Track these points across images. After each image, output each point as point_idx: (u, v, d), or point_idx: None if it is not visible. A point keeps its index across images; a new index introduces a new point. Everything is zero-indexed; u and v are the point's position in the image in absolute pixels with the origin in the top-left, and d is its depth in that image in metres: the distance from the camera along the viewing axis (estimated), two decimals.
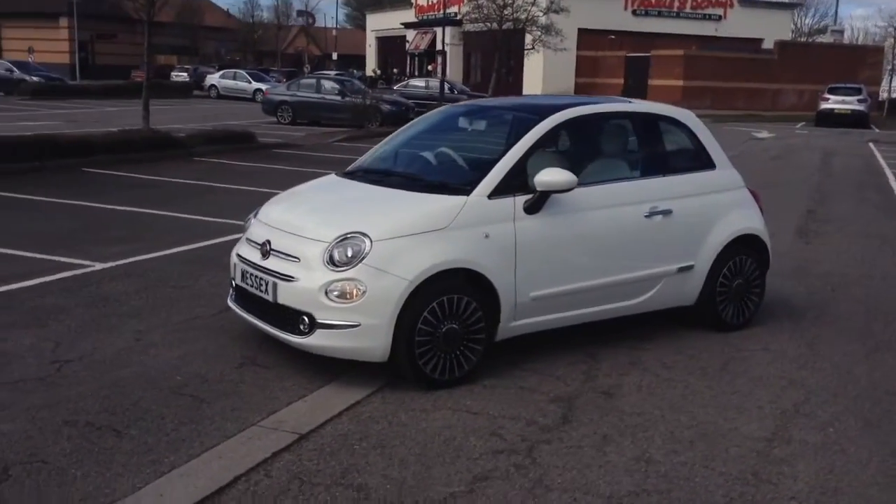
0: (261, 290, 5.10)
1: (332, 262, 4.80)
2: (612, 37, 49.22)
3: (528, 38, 34.79)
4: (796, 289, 7.76)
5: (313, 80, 28.25)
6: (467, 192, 5.10)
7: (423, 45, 57.47)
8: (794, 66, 46.45)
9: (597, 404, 4.82)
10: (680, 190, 5.95)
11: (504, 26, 31.65)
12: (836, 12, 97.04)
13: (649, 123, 6.07)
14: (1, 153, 13.02)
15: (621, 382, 5.18)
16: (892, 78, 47.16)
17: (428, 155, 5.91)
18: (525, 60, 45.01)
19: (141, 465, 3.88)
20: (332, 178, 6.04)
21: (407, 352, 4.79)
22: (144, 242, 8.47)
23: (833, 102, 35.58)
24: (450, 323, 4.89)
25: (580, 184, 5.42)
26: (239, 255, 5.45)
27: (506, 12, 31.23)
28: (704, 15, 52.84)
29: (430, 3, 55.31)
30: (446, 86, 33.41)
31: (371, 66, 66.18)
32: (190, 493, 3.65)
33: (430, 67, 51.08)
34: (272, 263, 5.06)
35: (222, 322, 5.91)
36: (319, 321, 4.77)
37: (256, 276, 5.14)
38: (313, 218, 5.27)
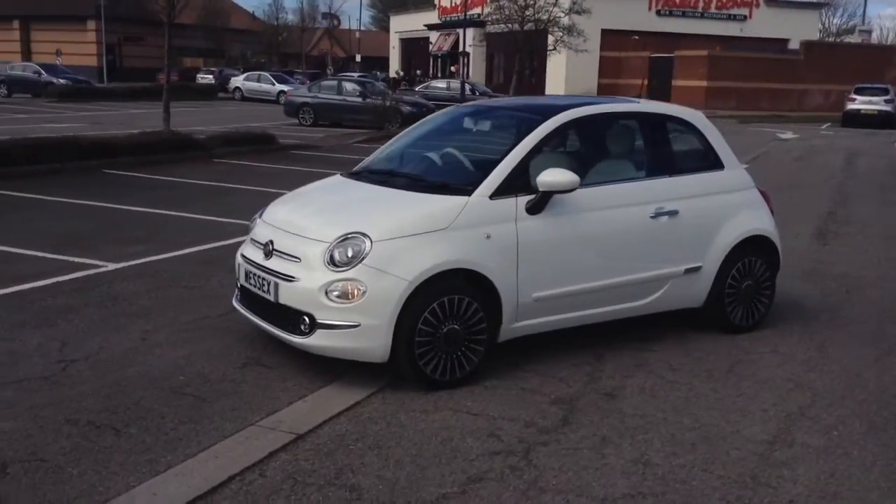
0: (263, 291, 5.12)
1: (332, 262, 4.81)
2: (636, 37, 48.94)
3: (551, 39, 34.71)
4: (810, 291, 7.67)
5: (334, 82, 28.37)
6: (469, 193, 5.09)
7: (447, 47, 57.53)
8: (820, 67, 45.99)
9: (598, 406, 4.79)
10: (687, 190, 5.89)
11: (525, 27, 31.59)
12: (865, 12, 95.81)
13: (656, 124, 6.02)
14: (22, 155, 13.17)
15: (624, 384, 5.15)
16: None
17: (432, 155, 5.90)
18: (548, 61, 44.94)
19: (137, 463, 3.90)
20: (337, 179, 6.05)
21: (407, 352, 4.78)
22: (158, 243, 8.54)
23: (860, 103, 35.16)
24: (451, 324, 4.88)
25: (584, 184, 5.40)
26: (243, 256, 5.47)
27: (527, 13, 31.17)
28: (729, 15, 52.44)
29: (453, 4, 55.30)
30: (468, 87, 33.41)
31: (394, 67, 66.35)
32: (183, 491, 3.67)
33: (452, 69, 51.10)
34: (274, 263, 5.08)
35: (229, 322, 5.94)
36: (320, 321, 4.78)
37: (259, 277, 5.16)
38: (315, 218, 5.28)
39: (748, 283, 6.18)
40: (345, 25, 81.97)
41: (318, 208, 5.55)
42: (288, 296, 4.93)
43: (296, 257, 4.98)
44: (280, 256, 5.08)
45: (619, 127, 6.01)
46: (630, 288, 5.66)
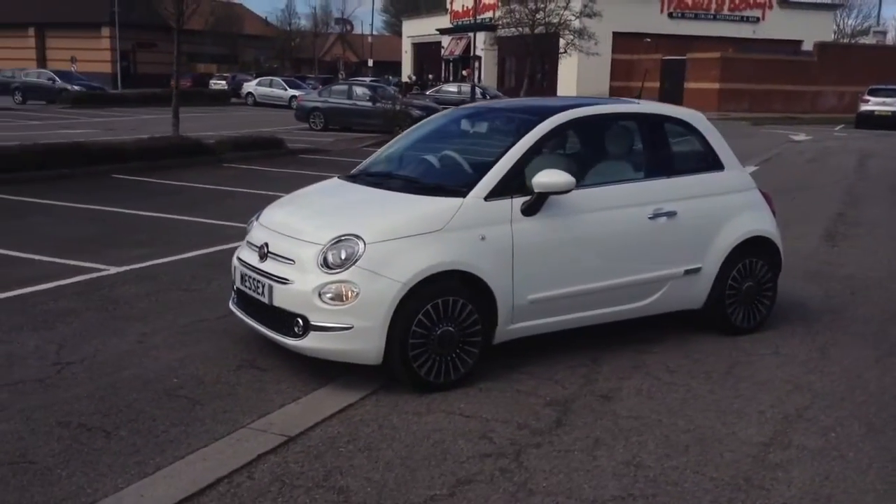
0: (258, 293, 5.11)
1: (325, 264, 4.79)
2: (648, 40, 48.81)
3: (562, 43, 34.67)
4: (815, 292, 7.61)
5: (345, 87, 28.43)
6: (463, 194, 5.06)
7: (458, 51, 57.57)
8: (834, 68, 45.71)
9: (592, 408, 4.76)
10: (686, 191, 5.85)
11: (536, 31, 31.57)
12: (879, 13, 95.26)
13: (654, 124, 5.98)
14: (32, 161, 13.26)
15: (621, 386, 5.11)
16: None
17: (428, 157, 5.88)
18: (559, 65, 44.90)
19: (126, 465, 3.90)
20: (334, 182, 6.05)
21: (401, 354, 4.76)
22: (161, 247, 8.56)
23: (874, 104, 34.90)
24: (445, 326, 4.85)
25: (581, 185, 5.39)
26: (239, 259, 5.47)
27: (538, 17, 31.14)
28: (742, 17, 52.21)
29: (465, 8, 55.30)
30: (479, 91, 33.40)
31: (407, 72, 66.46)
32: (170, 493, 3.66)
33: (464, 73, 51.11)
34: (269, 266, 5.07)
35: (226, 325, 5.93)
36: (313, 323, 4.77)
37: (254, 279, 5.16)
38: (309, 221, 5.28)
39: (749, 284, 6.13)
40: (357, 30, 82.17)
41: (313, 211, 5.54)
42: (282, 298, 4.92)
43: (290, 259, 4.97)
44: (274, 259, 5.07)
45: (618, 128, 5.97)
46: (628, 289, 5.62)
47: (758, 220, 6.22)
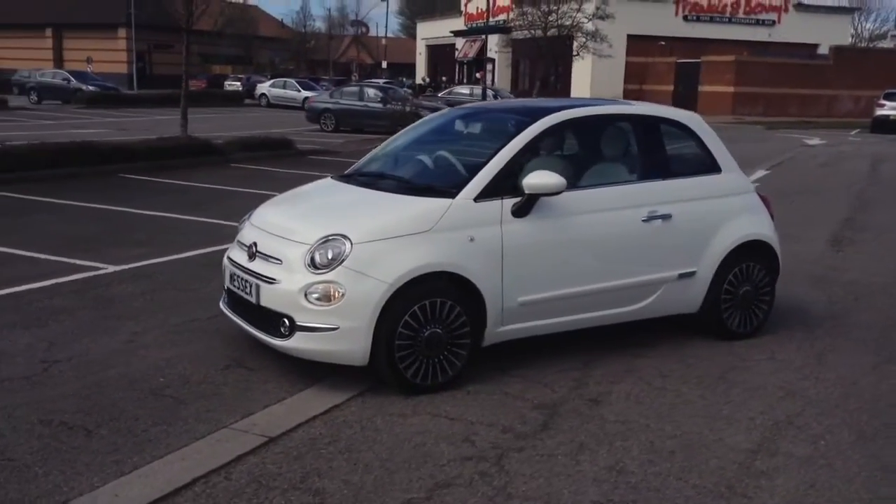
0: (246, 293, 5.09)
1: (312, 264, 4.77)
2: (663, 43, 48.62)
3: (576, 45, 34.58)
4: (817, 297, 7.52)
5: (356, 88, 28.48)
6: (453, 195, 5.02)
7: (472, 53, 57.54)
8: (850, 72, 45.37)
9: (580, 412, 4.70)
10: (681, 194, 5.78)
11: (549, 33, 31.50)
12: None
13: (649, 126, 5.91)
14: (41, 160, 13.33)
15: (611, 390, 5.05)
16: None
17: (420, 158, 5.85)
18: (573, 67, 44.78)
19: (104, 464, 3.88)
20: (327, 182, 6.03)
21: (387, 356, 4.73)
22: (161, 246, 8.57)
23: (889, 109, 34.55)
24: (433, 327, 4.82)
25: (574, 187, 5.35)
26: (229, 258, 5.46)
27: (550, 19, 31.07)
28: (757, 20, 51.90)
29: (479, 10, 55.29)
30: (491, 93, 33.35)
31: (421, 74, 66.49)
32: (145, 493, 3.64)
33: (477, 75, 51.07)
34: (257, 266, 5.05)
35: (218, 325, 5.91)
36: (299, 323, 4.74)
37: (242, 279, 5.14)
38: (299, 220, 5.26)
39: (746, 288, 6.06)
40: (373, 33, 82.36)
41: (302, 210, 5.53)
42: (269, 298, 4.90)
43: (277, 259, 4.95)
44: (263, 258, 5.05)
45: (612, 129, 5.92)
46: (621, 292, 5.56)
47: (755, 224, 6.15)
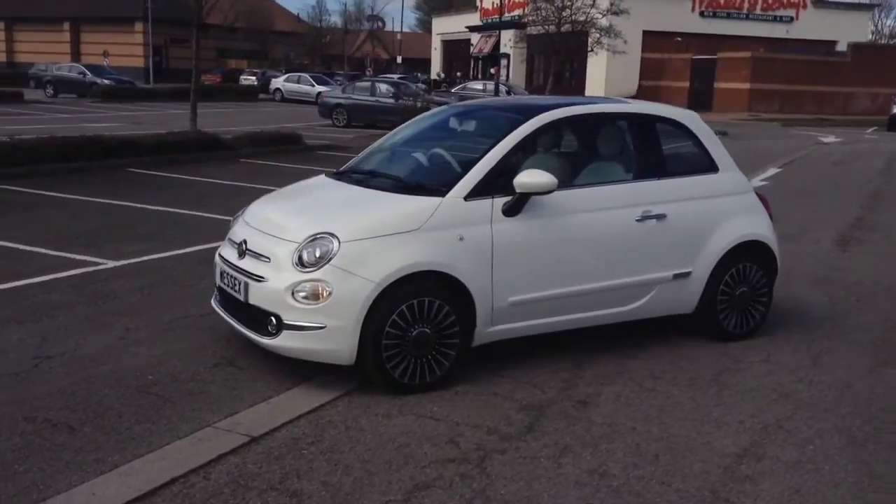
0: (235, 290, 5.08)
1: (300, 262, 4.75)
2: (679, 39, 48.33)
3: (590, 41, 34.41)
4: (819, 298, 7.44)
5: (368, 83, 28.51)
6: (443, 194, 4.99)
7: (487, 49, 57.39)
8: (868, 69, 44.98)
9: (567, 414, 4.67)
10: (677, 193, 5.73)
11: (563, 28, 31.36)
12: None
13: (645, 125, 5.85)
14: (50, 154, 13.37)
15: (600, 392, 5.01)
16: None
17: (413, 155, 5.83)
18: (588, 63, 44.59)
19: (84, 462, 3.88)
20: (321, 179, 6.01)
21: (374, 355, 4.71)
22: (163, 241, 8.58)
23: None
24: (421, 327, 4.79)
25: (566, 186, 5.32)
26: (220, 256, 5.45)
27: (564, 14, 30.93)
28: (775, 17, 51.52)
29: (494, 6, 55.17)
30: (504, 88, 33.25)
31: (436, 69, 66.42)
32: (123, 492, 3.63)
33: (492, 71, 50.97)
34: (246, 263, 5.04)
35: (211, 322, 5.89)
36: (286, 322, 4.73)
37: (232, 276, 5.13)
38: (288, 218, 5.24)
39: (743, 289, 6.00)
40: (389, 28, 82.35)
41: (293, 208, 5.51)
42: (257, 296, 4.88)
43: (266, 257, 4.94)
44: (252, 256, 5.04)
45: (607, 128, 5.86)
46: (614, 293, 5.51)
47: (753, 224, 6.08)
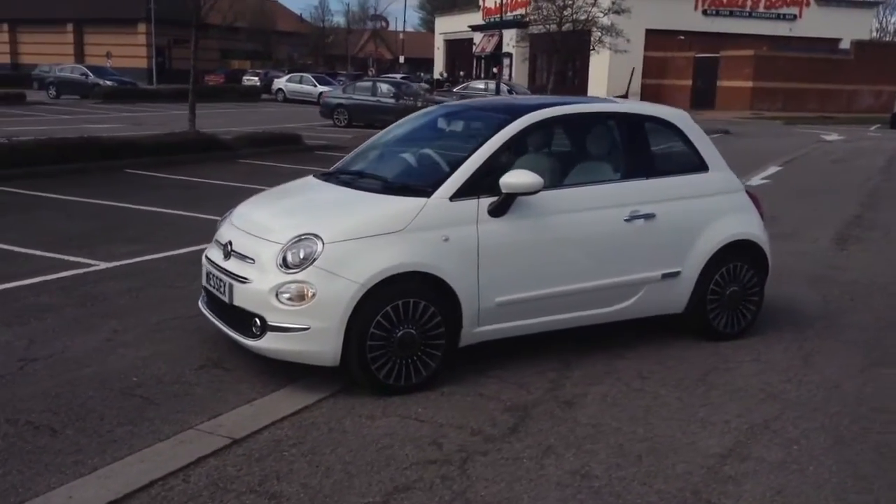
0: (220, 292, 5.07)
1: (284, 264, 4.74)
2: (682, 37, 48.23)
3: (592, 39, 34.38)
4: (813, 297, 7.41)
5: (369, 83, 28.49)
6: (428, 195, 4.97)
7: (490, 48, 57.34)
8: (871, 67, 44.88)
9: (552, 414, 4.65)
10: (666, 193, 5.70)
11: (564, 27, 31.32)
12: None
13: (633, 124, 5.82)
14: (47, 155, 13.39)
15: (587, 392, 4.99)
16: None
17: (400, 156, 5.82)
18: (591, 62, 44.52)
19: (64, 465, 3.87)
20: (308, 180, 6.00)
21: (358, 357, 4.69)
22: (156, 243, 8.58)
23: None
24: (406, 328, 4.77)
25: (554, 186, 5.30)
26: (206, 257, 5.44)
27: (565, 13, 30.89)
28: (778, 14, 51.36)
29: (496, 5, 55.16)
30: (506, 88, 33.22)
31: (439, 68, 66.40)
32: (101, 495, 3.62)
33: (494, 70, 50.95)
34: (231, 265, 5.03)
35: (199, 323, 5.87)
36: (270, 323, 4.71)
37: (217, 278, 5.12)
38: (274, 219, 5.23)
39: (733, 289, 5.97)
40: (392, 27, 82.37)
41: (278, 210, 5.50)
42: (241, 297, 4.87)
43: (251, 258, 4.93)
44: (237, 257, 5.03)
45: (594, 127, 5.84)
46: (602, 293, 5.49)
47: (743, 224, 6.05)
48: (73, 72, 41.34)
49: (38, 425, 4.27)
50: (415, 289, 4.81)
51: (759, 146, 24.30)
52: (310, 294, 4.63)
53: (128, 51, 57.81)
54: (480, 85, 36.32)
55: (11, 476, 3.76)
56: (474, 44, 60.51)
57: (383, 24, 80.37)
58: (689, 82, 47.31)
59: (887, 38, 68.22)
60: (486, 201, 5.03)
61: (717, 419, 4.66)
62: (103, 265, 7.59)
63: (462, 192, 5.01)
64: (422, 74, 60.20)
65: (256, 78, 52.43)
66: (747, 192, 6.30)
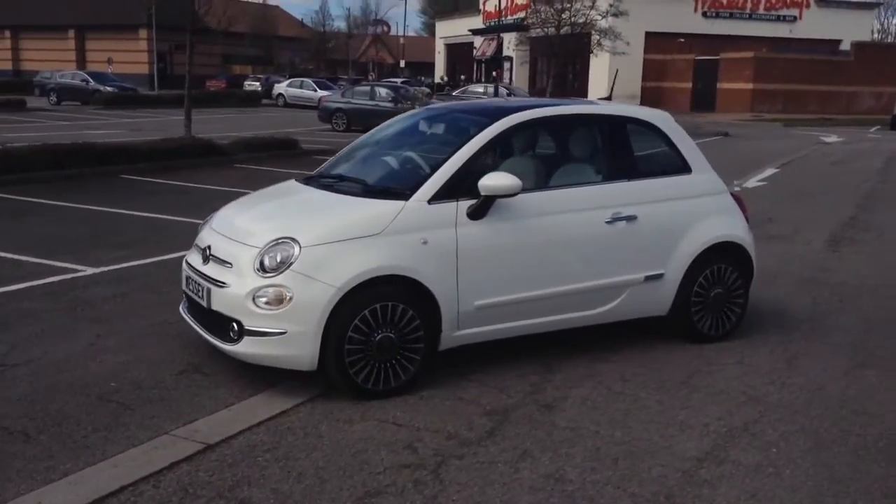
0: (199, 296, 5.06)
1: (262, 268, 4.72)
2: (682, 40, 48.19)
3: (592, 42, 34.38)
4: (801, 299, 7.37)
5: (367, 88, 28.48)
6: (406, 197, 4.96)
7: (490, 52, 57.31)
8: (871, 68, 44.81)
9: (531, 418, 4.62)
10: (648, 195, 5.68)
11: (562, 31, 31.32)
12: None
13: (615, 126, 5.81)
14: (42, 161, 13.41)
15: (567, 395, 4.97)
16: None
17: (381, 159, 5.80)
18: (591, 65, 44.49)
19: (36, 471, 3.85)
20: (290, 184, 5.98)
21: (336, 361, 4.67)
22: (146, 247, 8.58)
23: None
24: (384, 331, 4.75)
25: (534, 188, 5.28)
26: (187, 262, 5.43)
27: (564, 16, 30.89)
28: (778, 16, 51.28)
29: (497, 9, 55.19)
30: (505, 91, 33.22)
31: (440, 72, 66.42)
32: (70, 500, 3.61)
33: (494, 74, 50.97)
34: (209, 269, 5.02)
35: (181, 329, 5.87)
36: (247, 328, 4.70)
37: (196, 282, 5.11)
38: (253, 223, 5.22)
39: (718, 291, 5.94)
40: (394, 32, 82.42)
41: (258, 214, 5.49)
42: (219, 301, 4.86)
43: (229, 263, 4.91)
44: (215, 262, 5.02)
45: (576, 129, 5.83)
46: (583, 296, 5.47)
47: (727, 226, 6.03)
48: (74, 78, 41.45)
49: (12, 431, 4.26)
50: (393, 292, 4.79)
51: (758, 148, 24.27)
52: (287, 298, 4.62)
53: (129, 56, 57.94)
54: (479, 88, 36.36)
55: None
56: (475, 47, 60.49)
57: (385, 28, 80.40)
58: (690, 85, 47.28)
59: (888, 40, 68.09)
60: (465, 204, 5.02)
61: (696, 422, 4.63)
62: (90, 270, 7.58)
63: (440, 195, 4.99)
64: (422, 78, 60.23)
65: (258, 83, 52.49)
66: (732, 194, 6.28)
